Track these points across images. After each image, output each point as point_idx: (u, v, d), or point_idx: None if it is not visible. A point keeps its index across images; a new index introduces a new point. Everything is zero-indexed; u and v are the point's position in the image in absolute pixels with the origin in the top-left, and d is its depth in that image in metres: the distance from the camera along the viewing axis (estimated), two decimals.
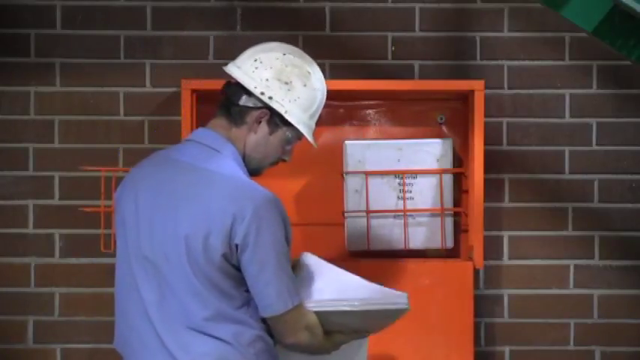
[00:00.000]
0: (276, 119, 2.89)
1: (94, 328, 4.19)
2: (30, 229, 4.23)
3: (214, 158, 2.83)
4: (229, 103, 2.90)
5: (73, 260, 4.22)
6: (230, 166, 2.82)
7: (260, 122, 2.88)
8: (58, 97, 4.23)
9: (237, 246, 2.72)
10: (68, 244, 4.22)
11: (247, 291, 2.78)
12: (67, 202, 4.21)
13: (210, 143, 2.86)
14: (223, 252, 2.72)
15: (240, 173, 2.83)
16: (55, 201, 4.22)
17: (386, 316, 2.98)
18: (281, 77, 2.89)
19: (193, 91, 3.86)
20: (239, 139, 2.88)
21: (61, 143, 4.23)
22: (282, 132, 2.91)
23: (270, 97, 2.87)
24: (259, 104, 2.87)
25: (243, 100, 2.88)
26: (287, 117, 2.88)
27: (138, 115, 4.23)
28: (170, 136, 4.13)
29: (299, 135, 2.94)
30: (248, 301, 2.78)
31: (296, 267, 2.99)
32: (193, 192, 2.77)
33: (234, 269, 2.74)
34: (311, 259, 3.04)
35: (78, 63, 4.23)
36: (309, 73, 2.93)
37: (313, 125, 2.96)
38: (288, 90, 2.89)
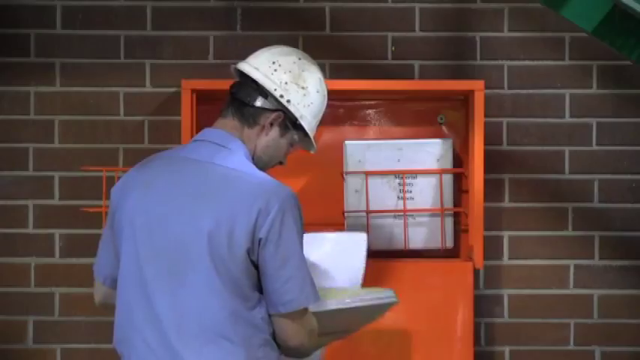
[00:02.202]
0: (288, 122, 2.89)
1: (94, 328, 4.19)
2: (30, 229, 4.23)
3: (228, 156, 2.81)
4: (241, 103, 2.89)
5: (73, 260, 4.22)
6: (245, 163, 2.82)
7: (272, 124, 2.88)
8: (58, 97, 4.23)
9: (260, 240, 2.71)
10: (68, 244, 4.22)
11: (259, 292, 2.77)
12: (67, 202, 4.21)
13: (222, 142, 2.84)
14: (247, 247, 2.71)
15: (257, 170, 2.83)
16: (55, 201, 4.23)
17: (375, 312, 2.99)
18: (298, 82, 2.89)
19: (193, 91, 3.86)
20: (250, 140, 2.87)
21: (61, 143, 4.23)
22: (291, 135, 2.91)
23: (289, 101, 2.86)
24: (275, 106, 2.87)
25: (259, 102, 2.87)
26: (301, 121, 2.88)
27: (138, 115, 4.23)
28: (170, 136, 4.13)
29: (301, 139, 2.95)
30: (259, 303, 2.77)
31: None
32: (213, 188, 2.75)
33: (253, 266, 2.73)
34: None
35: (78, 63, 4.23)
36: (320, 79, 2.94)
37: (315, 131, 2.98)
38: (304, 95, 2.89)
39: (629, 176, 4.26)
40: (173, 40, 4.24)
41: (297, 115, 2.87)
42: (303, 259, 2.76)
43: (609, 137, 4.25)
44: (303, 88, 2.89)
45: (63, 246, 4.22)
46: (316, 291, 2.78)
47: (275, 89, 2.86)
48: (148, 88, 4.24)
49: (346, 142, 4.01)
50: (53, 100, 4.23)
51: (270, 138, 2.89)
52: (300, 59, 2.93)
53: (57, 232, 4.22)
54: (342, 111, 4.11)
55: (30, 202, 4.23)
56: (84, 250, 4.20)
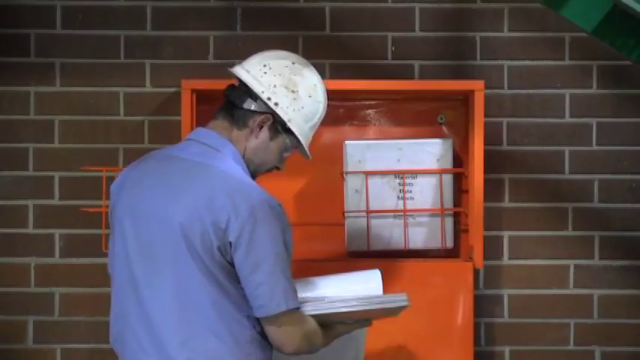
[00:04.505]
0: (278, 126, 2.90)
1: (94, 328, 4.19)
2: (30, 229, 4.23)
3: (215, 156, 2.84)
4: (232, 105, 2.91)
5: (73, 260, 4.22)
6: (231, 164, 2.84)
7: (262, 127, 2.89)
8: (58, 97, 4.23)
9: (230, 243, 2.73)
10: (68, 244, 4.22)
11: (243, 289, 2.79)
12: (67, 202, 4.21)
13: (211, 142, 2.87)
14: (217, 245, 2.73)
15: (241, 173, 2.84)
16: (55, 201, 4.23)
17: (386, 313, 2.99)
18: (288, 85, 2.90)
19: (193, 91, 3.86)
20: (240, 142, 2.90)
21: (61, 143, 4.23)
22: (282, 139, 2.92)
23: (276, 104, 2.88)
24: (264, 109, 2.88)
25: (248, 104, 2.89)
26: (290, 125, 2.89)
27: (138, 115, 4.23)
28: (170, 136, 4.13)
29: (295, 145, 2.95)
30: (244, 300, 2.78)
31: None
32: (191, 184, 2.79)
33: (229, 265, 2.75)
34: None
35: (78, 63, 4.23)
36: (314, 85, 2.95)
37: (311, 138, 2.98)
38: (294, 99, 2.90)
39: (629, 176, 4.26)
40: (173, 40, 4.24)
41: (285, 118, 2.88)
42: (277, 266, 2.74)
43: (609, 137, 4.25)
44: (293, 92, 2.90)
45: (63, 246, 4.22)
46: (291, 297, 2.76)
47: (263, 92, 2.88)
48: (148, 88, 4.24)
49: (346, 142, 4.01)
50: (53, 100, 4.23)
51: (259, 141, 2.90)
52: (293, 64, 2.93)
53: (57, 232, 4.22)
54: (342, 111, 4.11)
55: (30, 202, 4.23)
56: (84, 250, 4.20)
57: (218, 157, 2.84)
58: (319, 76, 2.98)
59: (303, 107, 2.91)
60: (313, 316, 2.84)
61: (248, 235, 2.72)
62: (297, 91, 2.90)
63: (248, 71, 2.91)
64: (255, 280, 2.73)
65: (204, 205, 2.73)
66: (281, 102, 2.88)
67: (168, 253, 2.76)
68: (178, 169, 2.83)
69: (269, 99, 2.87)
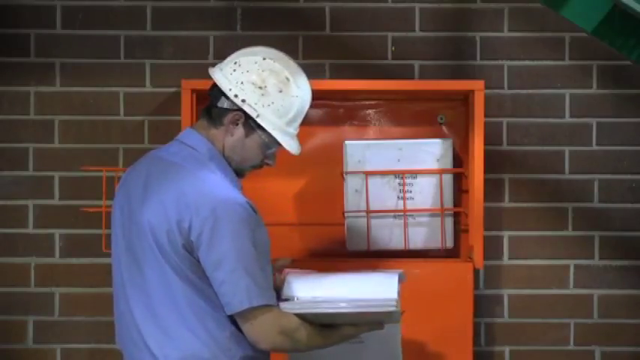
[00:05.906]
0: (251, 123, 2.91)
1: (94, 328, 4.19)
2: (30, 229, 4.23)
3: (191, 157, 2.88)
4: (210, 104, 2.95)
5: (73, 260, 4.22)
6: (204, 165, 2.87)
7: (237, 124, 2.91)
8: (58, 97, 4.23)
9: (192, 242, 2.76)
10: (68, 244, 4.22)
11: None
12: (67, 202, 4.21)
13: (190, 142, 2.92)
14: (182, 243, 2.77)
15: (211, 174, 2.86)
16: (55, 201, 4.23)
17: (381, 317, 2.93)
18: (256, 81, 2.90)
19: (193, 91, 3.86)
20: (217, 140, 2.92)
21: (61, 143, 4.23)
22: (258, 136, 2.92)
23: (243, 100, 2.89)
24: (234, 106, 2.90)
25: (221, 102, 2.91)
26: (259, 121, 2.89)
27: (138, 115, 4.23)
28: (170, 136, 4.11)
29: (275, 141, 2.94)
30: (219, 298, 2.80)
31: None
32: (163, 184, 2.83)
33: (199, 263, 2.77)
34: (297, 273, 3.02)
35: (78, 63, 4.23)
36: (287, 79, 2.93)
37: (292, 132, 2.96)
38: (262, 94, 2.90)
39: (629, 176, 4.26)
40: (173, 40, 4.24)
41: (253, 114, 2.89)
42: (239, 263, 2.75)
43: (609, 137, 4.25)
44: (260, 87, 2.90)
45: (63, 246, 4.22)
46: (256, 294, 2.75)
47: (230, 89, 2.90)
48: (148, 88, 4.24)
49: (346, 142, 4.00)
50: (53, 100, 4.23)
51: (235, 138, 2.92)
52: (264, 59, 2.93)
53: (57, 232, 4.22)
54: (342, 111, 4.11)
55: (30, 202, 4.23)
56: (84, 250, 4.21)
57: (195, 158, 2.88)
58: (297, 70, 2.96)
59: (273, 102, 2.91)
60: (302, 315, 2.82)
61: (209, 234, 2.75)
62: (266, 86, 2.91)
63: (221, 70, 2.95)
64: (218, 278, 2.76)
65: (171, 204, 2.77)
66: (248, 98, 2.89)
67: (145, 253, 2.80)
68: (157, 170, 2.88)
69: (236, 96, 2.89)
